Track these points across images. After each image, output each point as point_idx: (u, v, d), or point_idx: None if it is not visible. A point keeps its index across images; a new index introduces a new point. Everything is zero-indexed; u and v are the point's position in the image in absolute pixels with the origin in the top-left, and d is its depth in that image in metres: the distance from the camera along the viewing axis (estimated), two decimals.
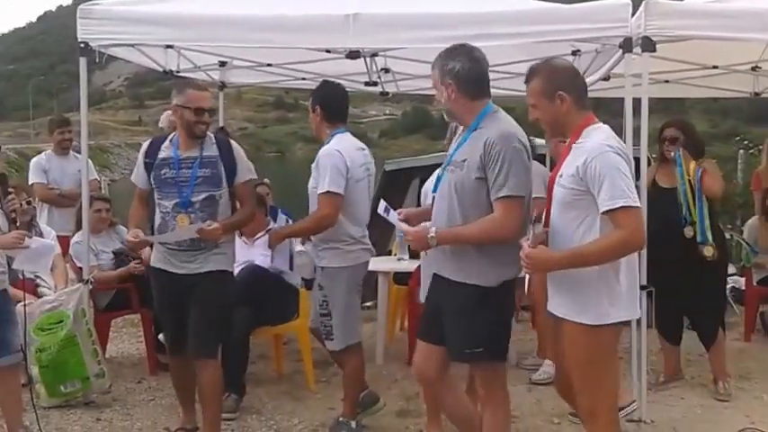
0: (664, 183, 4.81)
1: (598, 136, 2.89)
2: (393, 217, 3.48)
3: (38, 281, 5.20)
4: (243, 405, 4.66)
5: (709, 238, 4.67)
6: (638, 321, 4.32)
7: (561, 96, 2.93)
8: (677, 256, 4.60)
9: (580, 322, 2.92)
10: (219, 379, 3.97)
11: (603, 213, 2.78)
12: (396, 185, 8.37)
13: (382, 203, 3.55)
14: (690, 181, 4.69)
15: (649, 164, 4.79)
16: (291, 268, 4.92)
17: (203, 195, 3.85)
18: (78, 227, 5.22)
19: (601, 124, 3.00)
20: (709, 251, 4.68)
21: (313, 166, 4.11)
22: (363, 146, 4.33)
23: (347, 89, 7.14)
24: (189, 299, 3.88)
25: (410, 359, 5.50)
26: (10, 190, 3.86)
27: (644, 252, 4.31)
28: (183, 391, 4.22)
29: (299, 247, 4.50)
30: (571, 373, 3.04)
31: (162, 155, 3.93)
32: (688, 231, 4.68)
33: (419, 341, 3.41)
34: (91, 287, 4.91)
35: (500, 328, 3.24)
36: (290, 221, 5.25)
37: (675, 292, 4.66)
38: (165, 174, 3.89)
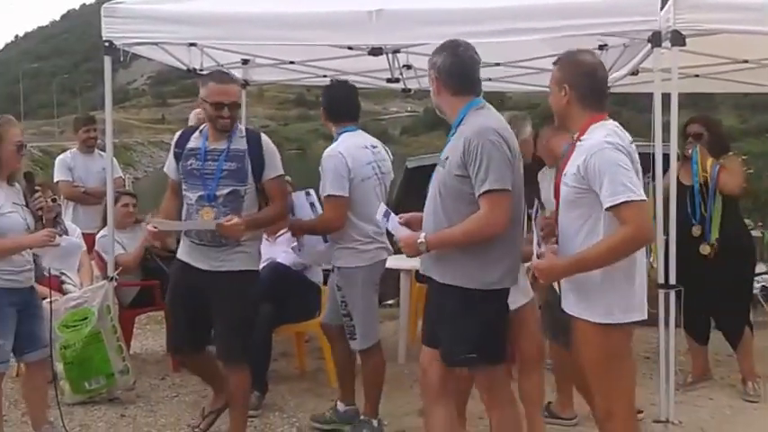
0: (685, 180, 4.74)
1: (599, 133, 2.87)
2: (392, 222, 3.36)
3: (63, 278, 5.23)
4: (265, 402, 4.66)
5: (713, 236, 4.63)
6: (666, 321, 4.29)
7: (565, 89, 2.97)
8: (694, 255, 4.55)
9: (590, 321, 2.90)
10: (248, 383, 3.93)
11: (607, 210, 2.75)
12: (418, 182, 8.31)
13: (382, 207, 3.48)
14: (706, 178, 4.62)
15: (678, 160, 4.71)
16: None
17: (227, 189, 3.75)
18: (104, 224, 5.25)
19: (606, 122, 2.94)
20: (705, 249, 4.65)
21: (320, 168, 4.09)
22: (375, 143, 4.30)
23: (369, 86, 7.24)
24: (210, 297, 3.79)
25: None
26: (36, 188, 3.89)
27: (672, 250, 4.27)
28: (207, 378, 4.21)
29: None
30: (586, 373, 3.02)
31: (190, 145, 3.87)
32: (695, 230, 4.66)
33: (424, 347, 3.33)
34: (115, 284, 4.93)
35: (491, 330, 3.12)
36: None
37: (700, 291, 4.58)
38: (191, 165, 3.81)
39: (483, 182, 2.95)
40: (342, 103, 4.25)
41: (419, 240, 3.08)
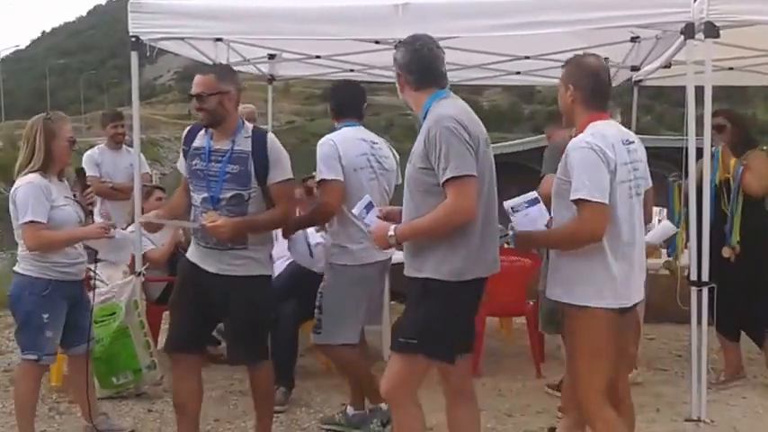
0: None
1: (588, 131, 3.05)
2: (371, 215, 3.28)
3: (90, 273, 5.25)
4: (292, 398, 4.66)
5: (734, 239, 4.57)
6: (698, 319, 4.21)
7: (570, 89, 3.13)
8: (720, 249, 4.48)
9: (569, 303, 3.07)
10: (266, 379, 3.83)
11: (572, 201, 2.97)
12: None
13: (366, 198, 3.35)
14: (728, 178, 4.57)
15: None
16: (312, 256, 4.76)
17: (230, 193, 3.58)
18: (132, 219, 5.26)
19: (602, 122, 3.09)
20: (726, 252, 4.58)
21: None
22: (375, 139, 4.25)
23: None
24: (217, 300, 3.65)
25: None
26: (87, 183, 3.98)
27: (705, 247, 4.18)
28: (183, 411, 3.81)
29: (316, 239, 4.36)
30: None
31: (196, 143, 3.71)
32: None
33: None
34: (143, 279, 4.94)
35: (445, 325, 3.04)
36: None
37: (729, 289, 4.48)
38: (195, 165, 3.66)
39: (445, 170, 2.93)
40: (345, 102, 4.28)
41: (389, 233, 3.06)
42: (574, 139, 3.06)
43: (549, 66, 6.49)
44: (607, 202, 2.92)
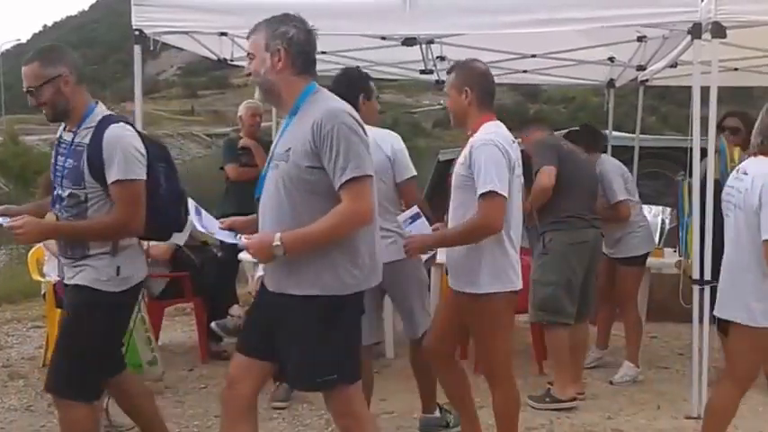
0: (717, 174, 4.61)
1: (487, 131, 3.27)
2: (208, 221, 3.00)
3: None
4: (294, 394, 4.63)
5: None
6: (700, 317, 4.20)
7: (466, 91, 3.31)
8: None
9: (467, 292, 3.32)
10: (79, 423, 3.19)
11: (479, 196, 3.16)
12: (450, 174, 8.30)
13: (191, 203, 3.08)
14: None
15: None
16: None
17: (67, 192, 3.10)
18: None
19: (495, 123, 3.35)
20: None
21: None
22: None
23: (402, 78, 7.17)
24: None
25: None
26: None
27: (708, 245, 4.17)
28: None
29: None
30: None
31: (59, 132, 3.28)
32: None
33: (237, 354, 2.95)
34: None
35: (351, 344, 2.79)
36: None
37: None
38: (53, 156, 3.23)
39: (344, 170, 2.61)
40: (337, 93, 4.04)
41: (274, 243, 2.61)
42: (478, 137, 3.24)
43: (556, 64, 6.49)
44: (507, 195, 3.18)
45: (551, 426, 4.24)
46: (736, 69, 5.99)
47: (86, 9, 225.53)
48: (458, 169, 3.32)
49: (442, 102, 5.26)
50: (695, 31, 4.17)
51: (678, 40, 4.68)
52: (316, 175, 2.66)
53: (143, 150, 3.11)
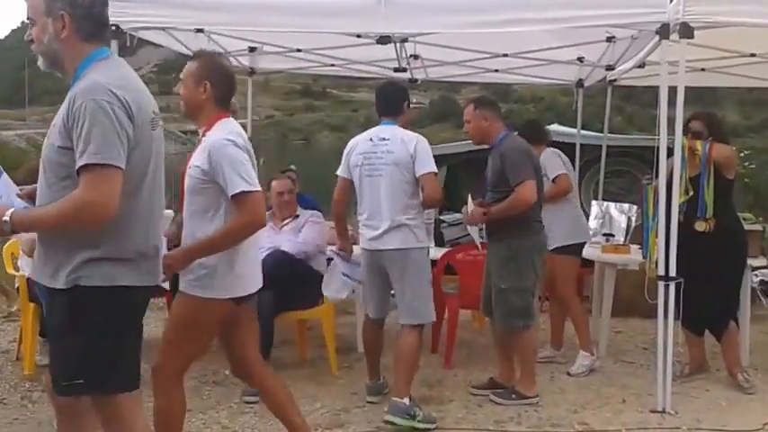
0: (692, 171, 4.71)
1: (223, 129, 3.15)
2: (5, 188, 2.85)
3: None
4: None
5: (707, 213, 4.61)
6: (665, 312, 4.30)
7: (206, 85, 3.18)
8: (690, 246, 4.49)
9: (193, 294, 3.11)
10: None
11: (231, 197, 3.01)
12: None
13: None
14: (697, 175, 4.61)
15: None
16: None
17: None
18: None
19: (229, 120, 3.24)
20: (701, 226, 4.62)
21: None
22: (386, 135, 4.39)
23: (377, 75, 7.23)
24: None
25: (434, 347, 5.54)
26: None
27: (673, 243, 4.27)
28: None
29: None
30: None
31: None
32: (699, 225, 4.64)
33: None
34: None
35: (102, 347, 2.43)
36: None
37: (694, 283, 4.52)
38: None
39: (82, 154, 2.30)
40: (381, 101, 4.56)
41: (4, 218, 2.36)
42: (215, 137, 3.11)
43: (527, 64, 6.58)
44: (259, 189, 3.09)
45: (519, 419, 4.31)
46: (702, 70, 6.10)
47: None
48: (192, 172, 3.10)
49: (414, 101, 5.27)
50: (663, 31, 4.23)
51: (646, 40, 4.77)
52: (67, 156, 2.36)
53: None
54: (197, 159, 3.11)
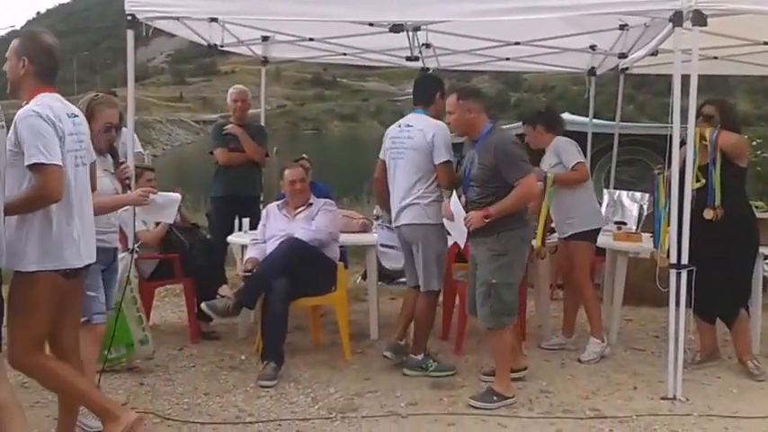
0: (701, 160, 4.71)
1: (34, 102, 3.20)
2: None
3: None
4: (281, 373, 4.73)
5: (716, 200, 4.61)
6: (677, 300, 4.32)
7: (24, 61, 3.25)
8: (702, 234, 4.46)
9: (16, 270, 3.16)
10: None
11: (28, 167, 3.07)
12: None
13: None
14: (707, 163, 4.61)
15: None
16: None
17: None
18: None
19: (47, 94, 3.25)
20: (709, 214, 4.62)
21: None
22: (409, 122, 4.82)
23: (389, 64, 7.25)
24: None
25: (444, 334, 5.58)
26: (122, 160, 4.17)
27: (685, 230, 4.28)
28: None
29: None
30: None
31: None
32: (707, 213, 4.62)
33: None
34: (136, 256, 5.00)
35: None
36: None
37: (705, 271, 4.51)
38: None
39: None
40: (415, 91, 4.94)
41: None
42: (22, 109, 3.17)
43: (539, 52, 6.58)
44: (62, 164, 3.11)
45: (531, 405, 4.34)
46: (715, 58, 6.08)
47: None
48: (7, 145, 3.18)
49: None
50: (676, 19, 4.21)
51: (659, 28, 4.76)
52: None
53: None
54: (10, 132, 3.19)
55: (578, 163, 5.15)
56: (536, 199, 4.47)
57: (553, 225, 5.33)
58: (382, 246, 6.12)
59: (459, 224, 4.43)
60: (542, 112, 5.50)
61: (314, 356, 5.19)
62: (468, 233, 4.37)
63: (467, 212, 4.37)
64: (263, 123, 7.17)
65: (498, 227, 4.27)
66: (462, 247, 4.77)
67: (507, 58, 6.84)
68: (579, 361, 5.09)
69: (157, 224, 5.49)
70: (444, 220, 4.67)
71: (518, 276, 4.41)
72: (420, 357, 4.78)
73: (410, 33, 5.72)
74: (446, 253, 4.89)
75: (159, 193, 4.26)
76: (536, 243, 5.04)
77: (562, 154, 5.12)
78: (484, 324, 4.43)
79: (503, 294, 4.29)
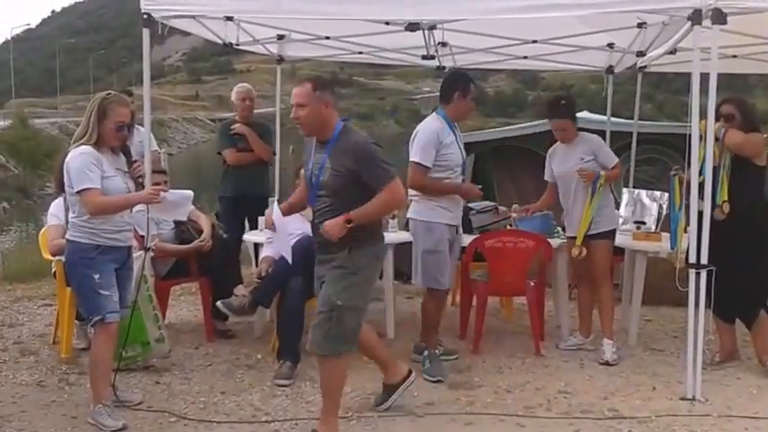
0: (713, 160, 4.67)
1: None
2: None
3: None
4: (297, 372, 4.74)
5: (721, 198, 4.57)
6: (696, 300, 4.28)
7: None
8: (718, 234, 4.42)
9: None
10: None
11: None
12: None
13: None
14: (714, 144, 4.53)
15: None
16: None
17: None
18: None
19: None
20: (717, 214, 4.56)
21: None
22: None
23: (405, 63, 7.23)
24: None
25: (462, 334, 5.56)
26: (135, 159, 4.20)
27: (705, 230, 4.24)
28: None
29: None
30: None
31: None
32: (716, 213, 4.58)
33: None
34: (152, 255, 5.02)
35: None
36: None
37: (723, 272, 4.47)
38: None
39: None
40: (441, 88, 4.90)
41: None
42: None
43: (557, 51, 6.54)
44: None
45: (549, 405, 4.32)
46: (734, 56, 6.02)
47: None
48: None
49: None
50: (696, 17, 4.18)
51: (678, 26, 4.72)
52: None
53: None
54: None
55: (618, 162, 5.23)
56: (403, 206, 4.42)
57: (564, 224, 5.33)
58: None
59: (282, 236, 4.42)
60: (566, 103, 5.31)
61: None
62: (321, 245, 3.79)
63: (313, 226, 3.82)
64: (278, 122, 7.18)
65: (350, 241, 3.66)
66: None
67: (524, 57, 6.80)
68: (608, 363, 5.03)
69: (176, 223, 5.51)
70: (266, 232, 4.65)
71: (366, 300, 3.85)
72: (424, 354, 4.91)
73: (426, 32, 5.70)
74: (435, 251, 4.78)
75: (171, 191, 4.27)
76: (577, 242, 5.09)
77: (599, 151, 5.16)
78: (313, 350, 3.77)
79: (346, 319, 3.68)
